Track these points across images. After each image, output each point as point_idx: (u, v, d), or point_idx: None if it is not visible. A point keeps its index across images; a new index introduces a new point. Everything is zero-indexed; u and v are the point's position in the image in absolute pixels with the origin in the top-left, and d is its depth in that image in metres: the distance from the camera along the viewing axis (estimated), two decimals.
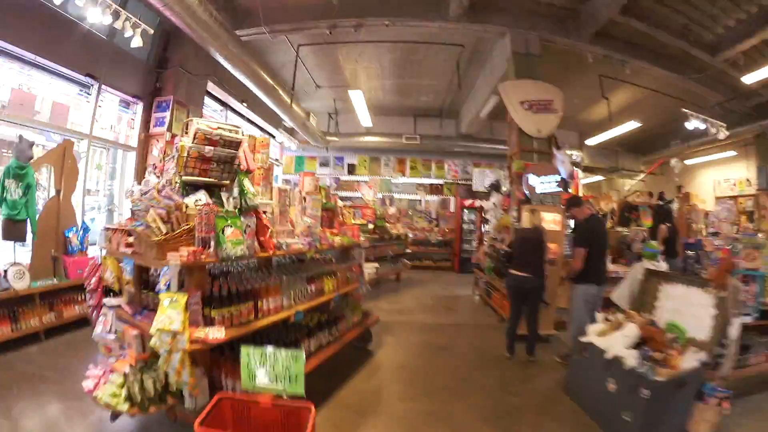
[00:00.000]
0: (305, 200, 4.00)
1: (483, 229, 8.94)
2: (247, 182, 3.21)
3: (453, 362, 4.71)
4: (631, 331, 3.38)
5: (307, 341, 3.63)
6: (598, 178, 13.54)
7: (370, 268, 4.90)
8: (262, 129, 11.62)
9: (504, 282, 5.25)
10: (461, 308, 7.72)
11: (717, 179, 12.04)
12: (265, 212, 3.39)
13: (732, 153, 11.23)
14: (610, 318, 3.89)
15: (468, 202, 12.68)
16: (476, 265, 8.43)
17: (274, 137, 12.39)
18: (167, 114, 6.95)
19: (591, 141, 11.47)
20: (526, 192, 5.76)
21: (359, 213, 9.18)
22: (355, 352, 4.75)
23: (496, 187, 7.98)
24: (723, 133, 7.97)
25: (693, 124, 7.97)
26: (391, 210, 12.00)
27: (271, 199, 3.65)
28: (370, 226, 8.66)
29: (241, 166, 3.33)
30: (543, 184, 5.72)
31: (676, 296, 3.85)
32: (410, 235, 11.69)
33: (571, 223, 5.98)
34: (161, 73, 7.12)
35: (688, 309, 3.71)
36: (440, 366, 4.59)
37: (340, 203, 9.95)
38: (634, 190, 9.39)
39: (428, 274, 11.69)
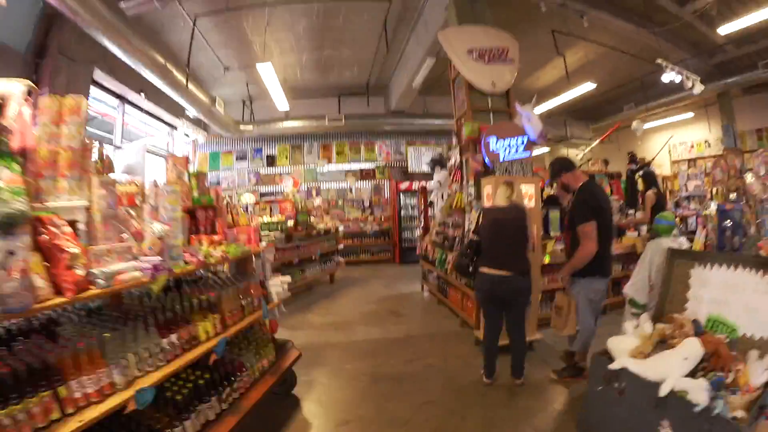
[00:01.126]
0: (157, 196, 2.33)
1: (428, 214, 7.67)
2: (7, 171, 1.51)
3: (415, 403, 3.30)
4: (692, 350, 2.19)
5: (179, 428, 2.05)
6: (544, 150, 12.84)
7: (278, 285, 3.36)
8: (167, 123, 9.92)
9: (472, 284, 3.94)
10: (411, 311, 6.40)
11: (672, 143, 11.58)
12: (76, 222, 1.77)
13: (689, 114, 10.77)
14: (637, 324, 2.73)
15: (404, 185, 11.58)
16: (423, 256, 7.17)
17: (176, 129, 10.38)
18: None
19: (538, 110, 10.56)
20: (487, 160, 4.49)
21: (277, 209, 7.56)
22: (273, 403, 3.23)
23: (438, 162, 6.67)
24: (698, 87, 7.29)
25: (668, 76, 7.24)
26: (317, 201, 10.49)
27: (89, 198, 1.94)
28: (290, 222, 7.08)
29: (11, 145, 1.68)
30: (508, 148, 4.49)
31: (716, 283, 2.77)
32: (342, 228, 10.35)
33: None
34: (40, 63, 5.73)
35: (735, 298, 2.66)
36: (399, 413, 3.16)
37: (249, 199, 8.21)
38: (587, 159, 8.63)
39: (367, 270, 10.42)
